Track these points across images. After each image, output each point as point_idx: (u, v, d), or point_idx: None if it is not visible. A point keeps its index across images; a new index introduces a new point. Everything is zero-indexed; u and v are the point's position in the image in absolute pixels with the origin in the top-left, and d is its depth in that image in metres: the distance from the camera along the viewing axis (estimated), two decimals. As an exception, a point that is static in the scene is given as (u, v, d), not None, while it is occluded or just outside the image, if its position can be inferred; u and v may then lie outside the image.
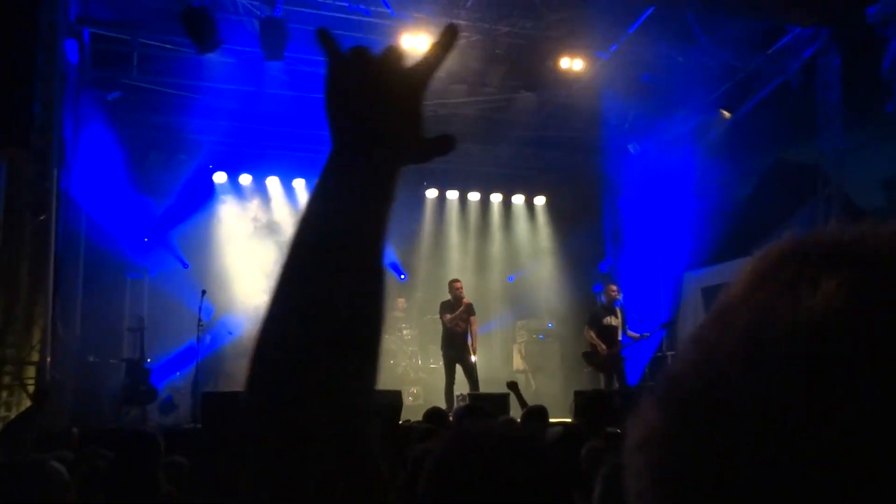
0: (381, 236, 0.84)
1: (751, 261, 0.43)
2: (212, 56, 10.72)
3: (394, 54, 0.90)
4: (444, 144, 0.92)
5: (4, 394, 8.77)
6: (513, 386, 8.55)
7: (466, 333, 11.29)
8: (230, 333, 12.39)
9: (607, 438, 4.27)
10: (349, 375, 0.78)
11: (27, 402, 8.52)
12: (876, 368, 0.35)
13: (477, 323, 11.70)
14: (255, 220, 14.17)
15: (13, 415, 8.36)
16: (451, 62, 11.35)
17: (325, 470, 0.73)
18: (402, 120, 0.88)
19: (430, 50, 0.91)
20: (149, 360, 11.55)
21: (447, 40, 0.92)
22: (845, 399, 0.35)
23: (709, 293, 12.69)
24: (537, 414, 6.68)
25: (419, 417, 9.15)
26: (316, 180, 0.87)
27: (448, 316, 11.27)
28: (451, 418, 7.30)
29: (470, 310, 11.42)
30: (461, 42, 11.24)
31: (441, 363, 11.82)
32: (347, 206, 0.84)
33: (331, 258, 0.81)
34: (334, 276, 0.80)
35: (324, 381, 0.76)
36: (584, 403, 7.86)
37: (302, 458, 0.73)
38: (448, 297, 11.63)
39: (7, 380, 8.86)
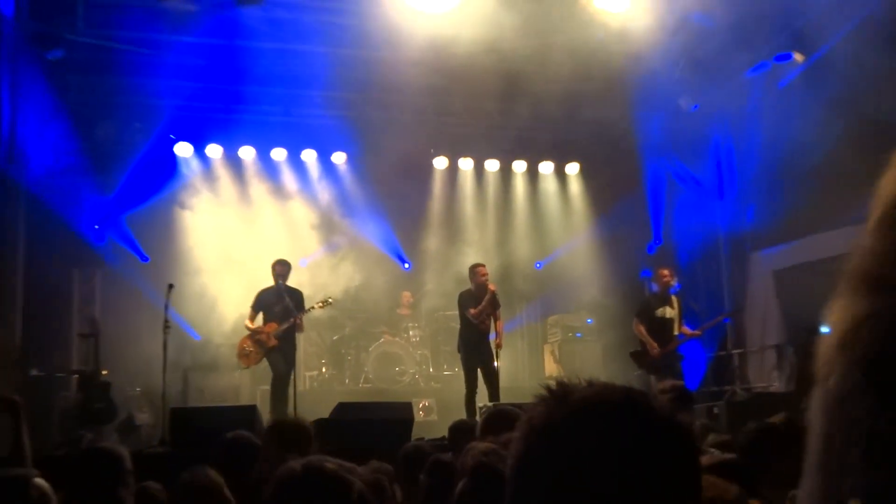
0: None
1: None
2: (172, 2, 10.64)
3: None
4: None
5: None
6: None
7: (490, 332, 11.08)
8: (196, 338, 12.32)
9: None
10: None
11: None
12: None
13: (502, 317, 11.47)
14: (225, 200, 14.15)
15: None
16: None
17: None
18: None
19: None
20: (105, 371, 11.49)
21: None
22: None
23: (782, 277, 12.55)
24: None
25: (432, 435, 9.07)
26: None
27: (473, 310, 10.95)
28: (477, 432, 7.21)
29: (495, 301, 11.15)
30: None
31: (458, 369, 11.67)
32: None
33: None
34: None
35: None
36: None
37: None
38: (468, 286, 11.33)
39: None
